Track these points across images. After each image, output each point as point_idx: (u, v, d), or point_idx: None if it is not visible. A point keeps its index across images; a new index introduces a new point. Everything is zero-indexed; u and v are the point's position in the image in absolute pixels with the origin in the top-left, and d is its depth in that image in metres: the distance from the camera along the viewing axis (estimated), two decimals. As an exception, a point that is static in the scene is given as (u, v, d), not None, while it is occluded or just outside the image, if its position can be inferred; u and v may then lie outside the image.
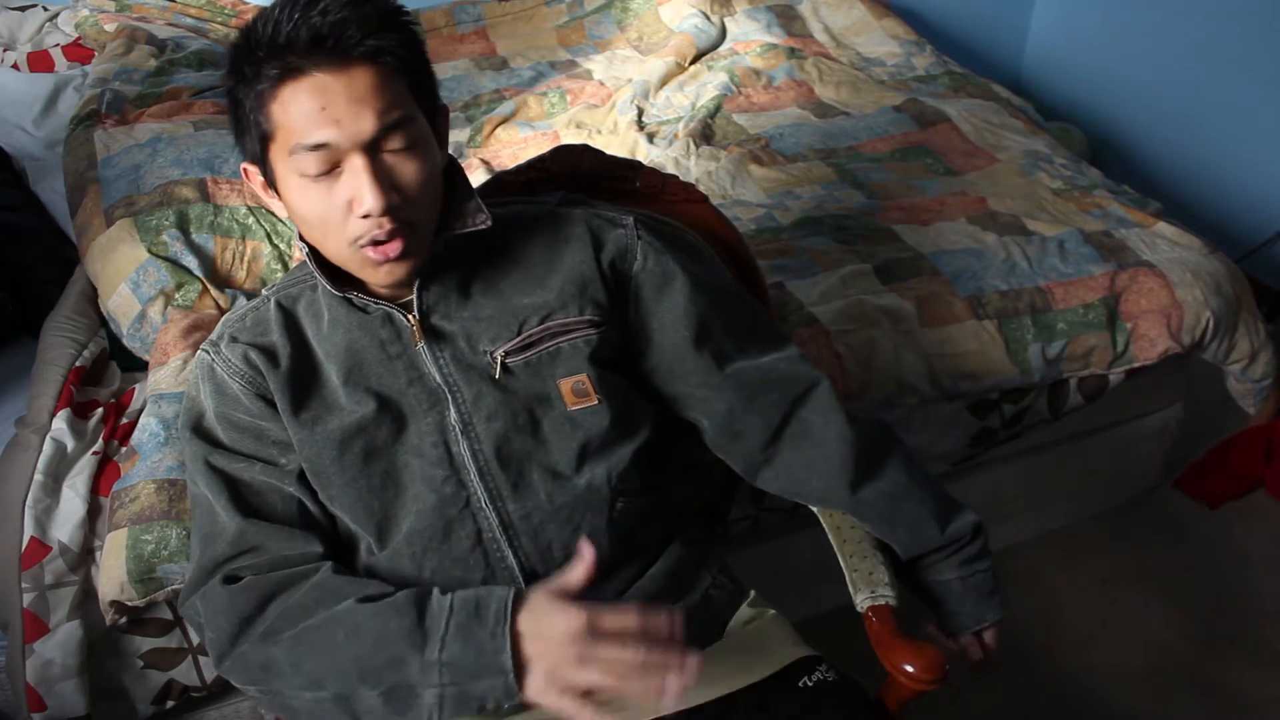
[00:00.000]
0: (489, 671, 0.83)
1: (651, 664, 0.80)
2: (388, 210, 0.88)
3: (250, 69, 0.88)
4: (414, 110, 0.91)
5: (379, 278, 0.95)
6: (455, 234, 0.97)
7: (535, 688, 0.82)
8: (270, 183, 0.94)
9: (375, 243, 0.91)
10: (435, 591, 0.90)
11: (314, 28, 0.85)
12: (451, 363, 0.98)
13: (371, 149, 0.88)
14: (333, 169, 0.88)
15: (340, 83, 0.86)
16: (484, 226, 0.97)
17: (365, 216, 0.88)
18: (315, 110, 0.86)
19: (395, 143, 0.89)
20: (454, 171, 1.00)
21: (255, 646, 0.91)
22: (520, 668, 0.83)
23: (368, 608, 0.89)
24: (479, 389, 0.98)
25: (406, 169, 0.90)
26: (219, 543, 0.96)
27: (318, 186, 0.89)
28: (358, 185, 0.88)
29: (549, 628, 0.82)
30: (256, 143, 0.91)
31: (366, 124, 0.87)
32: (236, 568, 0.95)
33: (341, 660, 0.87)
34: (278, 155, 0.90)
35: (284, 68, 0.86)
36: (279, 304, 1.02)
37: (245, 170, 0.97)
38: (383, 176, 0.88)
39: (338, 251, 0.93)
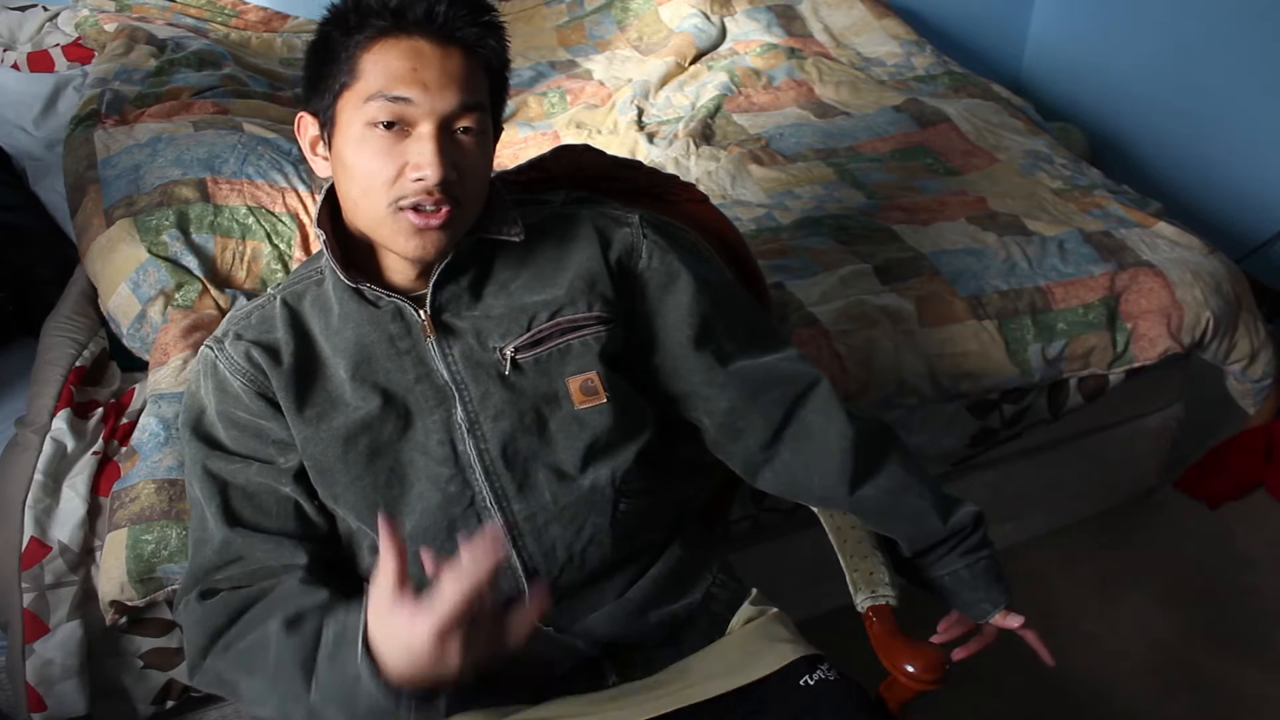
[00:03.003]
0: (363, 693, 0.80)
1: (504, 621, 0.78)
2: (443, 183, 0.90)
3: (356, 18, 0.91)
4: (488, 105, 0.94)
5: (409, 248, 0.94)
6: (486, 238, 0.99)
7: (415, 684, 0.79)
8: (325, 138, 0.96)
9: (417, 209, 0.92)
10: (338, 615, 0.88)
11: (430, 3, 0.89)
12: (460, 360, 0.98)
13: (444, 124, 0.91)
14: (400, 127, 0.90)
15: (438, 54, 0.90)
16: (516, 239, 0.99)
17: (418, 181, 0.90)
18: (407, 69, 0.89)
19: (466, 126, 0.92)
20: (493, 185, 1.01)
21: (215, 660, 0.93)
22: (390, 675, 0.79)
23: (284, 638, 0.89)
24: (486, 388, 0.98)
25: (470, 153, 0.93)
26: (206, 549, 0.97)
27: (380, 140, 0.90)
28: (422, 151, 0.90)
29: (400, 638, 0.77)
30: (333, 90, 0.93)
31: (450, 98, 0.90)
32: (217, 580, 0.96)
33: (267, 686, 0.90)
34: (349, 102, 0.92)
35: (391, 25, 0.90)
36: (284, 301, 1.02)
37: (300, 120, 0.98)
38: (447, 151, 0.91)
39: (373, 212, 0.93)
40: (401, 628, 0.77)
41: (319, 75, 0.94)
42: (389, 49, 0.90)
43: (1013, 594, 1.09)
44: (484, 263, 1.01)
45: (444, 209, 0.92)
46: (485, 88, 0.94)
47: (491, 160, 0.98)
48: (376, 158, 0.91)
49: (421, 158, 0.90)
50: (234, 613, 0.94)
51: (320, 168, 0.98)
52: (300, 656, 0.87)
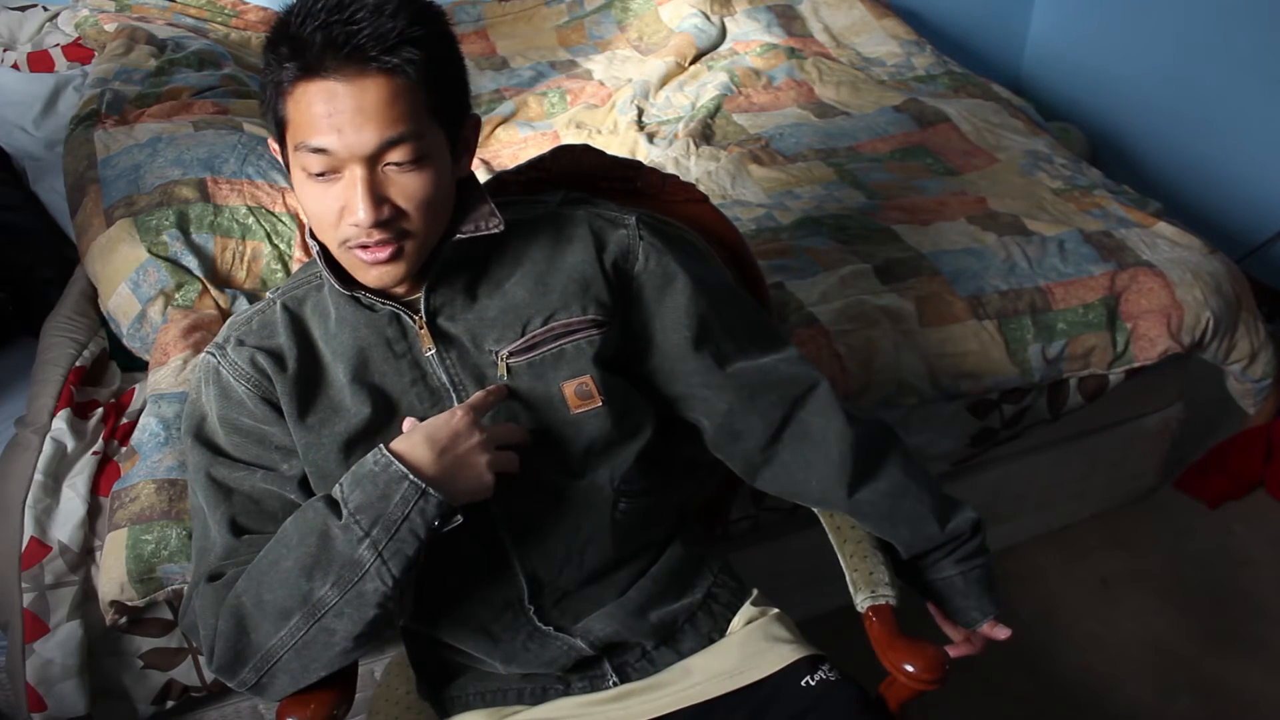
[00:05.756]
0: (392, 488, 0.87)
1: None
2: (376, 224, 0.88)
3: (274, 61, 0.88)
4: (424, 126, 0.89)
5: (369, 279, 0.94)
6: (466, 238, 0.96)
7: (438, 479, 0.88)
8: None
9: (364, 245, 0.91)
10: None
11: (330, 31, 0.83)
12: (458, 364, 0.98)
13: (371, 161, 0.87)
14: (334, 172, 0.88)
15: (351, 91, 0.85)
16: (496, 231, 0.97)
17: (354, 226, 0.89)
18: (321, 115, 0.86)
19: (398, 157, 0.88)
20: (469, 178, 1.00)
21: (226, 607, 0.92)
22: (419, 471, 0.88)
23: (292, 516, 0.92)
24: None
25: (406, 184, 0.89)
26: (210, 557, 0.97)
27: (318, 185, 0.89)
28: (351, 195, 0.88)
29: (438, 423, 0.91)
30: (275, 127, 0.92)
31: (367, 137, 0.86)
32: (224, 565, 0.96)
33: (287, 570, 0.89)
34: (289, 144, 0.91)
35: (302, 66, 0.85)
36: (284, 306, 1.01)
37: (270, 143, 0.97)
38: (376, 190, 0.88)
39: (331, 247, 0.94)
40: (439, 419, 0.91)
41: (264, 113, 0.93)
42: (303, 94, 0.86)
43: (1003, 605, 1.10)
44: (476, 262, 1.00)
45: (387, 246, 0.90)
46: (421, 104, 0.87)
47: (447, 174, 0.92)
48: (317, 201, 0.90)
49: (351, 203, 0.88)
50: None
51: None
52: (321, 508, 0.90)
